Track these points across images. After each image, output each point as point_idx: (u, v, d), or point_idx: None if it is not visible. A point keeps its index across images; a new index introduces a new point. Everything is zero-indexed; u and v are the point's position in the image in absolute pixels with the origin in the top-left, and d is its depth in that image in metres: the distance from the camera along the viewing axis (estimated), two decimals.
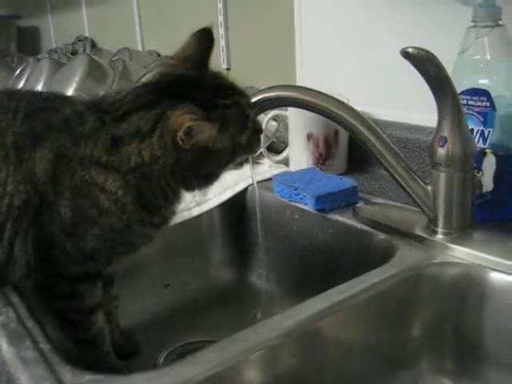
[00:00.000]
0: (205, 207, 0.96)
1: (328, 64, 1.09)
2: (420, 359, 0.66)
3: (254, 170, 1.01)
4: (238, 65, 1.35)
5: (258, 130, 0.66)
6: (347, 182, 0.86)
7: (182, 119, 0.56)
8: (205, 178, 0.64)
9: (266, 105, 0.70)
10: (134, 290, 0.92)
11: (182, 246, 0.98)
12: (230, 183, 0.98)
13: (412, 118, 0.94)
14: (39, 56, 1.95)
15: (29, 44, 2.59)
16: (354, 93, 0.97)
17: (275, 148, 1.09)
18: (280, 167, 1.03)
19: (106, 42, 1.98)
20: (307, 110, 0.70)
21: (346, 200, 0.83)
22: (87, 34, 2.15)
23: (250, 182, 0.98)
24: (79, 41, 2.07)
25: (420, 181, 0.68)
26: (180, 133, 0.56)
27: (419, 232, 0.70)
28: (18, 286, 0.67)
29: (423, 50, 0.57)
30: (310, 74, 1.13)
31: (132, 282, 0.92)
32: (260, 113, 0.70)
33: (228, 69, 1.36)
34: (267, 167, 1.04)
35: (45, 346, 0.53)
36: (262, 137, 1.01)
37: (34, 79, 1.48)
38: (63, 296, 0.67)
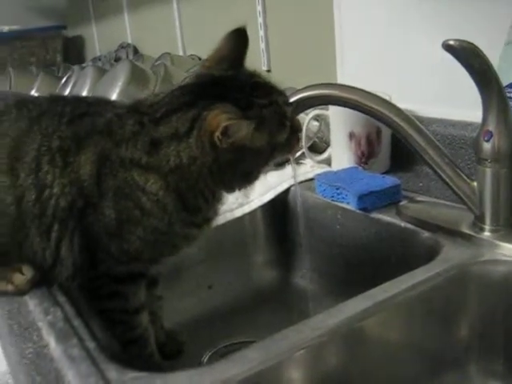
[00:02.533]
0: (247, 208, 0.96)
1: (369, 62, 1.07)
2: (468, 361, 0.64)
3: (295, 171, 1.01)
4: (279, 66, 1.35)
5: (296, 128, 0.66)
6: (390, 180, 0.84)
7: (219, 119, 0.56)
8: (244, 177, 0.64)
9: (307, 104, 0.69)
10: (178, 290, 0.93)
11: (225, 247, 0.98)
12: (272, 184, 0.97)
13: (456, 113, 0.92)
14: (84, 64, 2.00)
15: (74, 53, 2.66)
16: (396, 90, 0.96)
17: (317, 148, 1.08)
18: (322, 167, 1.03)
19: (148, 47, 2.01)
20: (348, 108, 0.69)
21: (389, 199, 0.82)
22: (130, 41, 2.19)
23: (291, 182, 0.97)
24: (122, 48, 2.11)
25: (465, 177, 0.67)
26: (217, 133, 0.57)
27: (465, 229, 0.68)
28: (65, 286, 0.68)
29: (466, 42, 0.56)
30: (351, 72, 1.12)
31: (176, 283, 0.93)
32: (300, 112, 0.70)
33: (268, 71, 1.36)
34: (309, 167, 1.03)
35: (90, 344, 0.54)
36: (304, 137, 1.01)
37: (79, 86, 1.51)
38: (108, 296, 0.68)
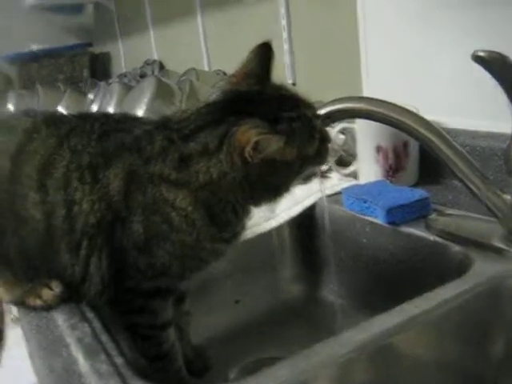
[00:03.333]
0: (274, 222, 0.95)
1: (394, 74, 1.06)
2: (502, 380, 0.62)
3: (323, 184, 1.01)
4: (304, 80, 1.35)
5: (326, 139, 0.65)
6: (418, 193, 0.83)
7: (249, 135, 0.56)
8: (274, 191, 0.64)
9: (334, 117, 0.69)
10: (205, 305, 0.93)
11: (252, 262, 0.98)
12: (299, 198, 0.97)
13: (484, 125, 0.90)
14: (110, 81, 2.03)
15: (101, 69, 2.70)
16: (423, 101, 0.95)
17: (344, 161, 1.07)
18: (349, 180, 1.02)
19: (174, 63, 2.03)
20: (375, 120, 0.69)
21: (418, 212, 0.81)
22: (155, 57, 2.22)
23: (318, 196, 0.97)
24: (147, 64, 2.14)
25: (496, 189, 0.65)
26: (248, 148, 0.57)
27: (497, 243, 0.67)
28: (93, 301, 0.69)
29: (495, 52, 0.55)
30: (377, 85, 1.11)
31: (203, 298, 0.93)
32: (327, 125, 0.69)
33: (294, 84, 1.36)
34: (336, 181, 1.02)
35: (118, 360, 0.54)
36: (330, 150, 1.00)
37: (106, 103, 1.54)
38: (136, 311, 0.68)
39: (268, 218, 0.95)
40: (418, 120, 0.67)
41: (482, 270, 0.64)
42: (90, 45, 2.81)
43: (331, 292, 0.94)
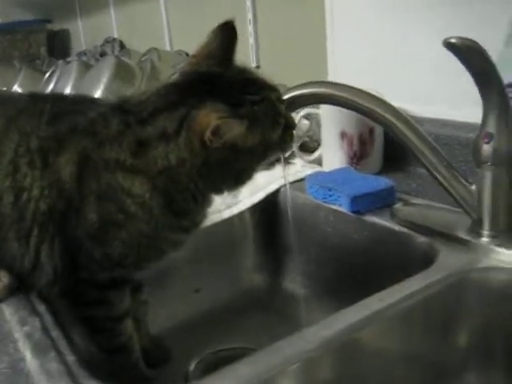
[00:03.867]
0: (236, 210, 0.93)
1: (360, 59, 1.05)
2: (467, 371, 0.62)
3: (286, 171, 0.98)
4: (268, 62, 1.32)
5: (290, 125, 0.63)
6: (384, 182, 0.82)
7: (209, 118, 0.53)
8: (236, 178, 0.61)
9: (299, 102, 0.66)
10: (164, 295, 0.90)
11: (212, 250, 0.95)
12: (261, 184, 0.94)
13: (451, 114, 0.89)
14: (69, 59, 1.96)
15: (59, 47, 2.61)
16: (388, 88, 0.93)
17: (308, 147, 1.05)
18: (313, 167, 1.00)
19: (135, 42, 1.97)
20: (340, 106, 0.66)
21: (382, 201, 0.79)
22: (116, 36, 2.15)
23: (282, 182, 0.94)
24: (107, 42, 2.07)
25: (463, 180, 0.64)
26: (207, 133, 0.54)
27: (462, 234, 0.66)
28: (44, 293, 0.65)
29: (468, 39, 0.53)
30: (342, 70, 1.09)
31: (161, 287, 0.90)
32: (292, 111, 0.67)
33: (257, 67, 1.33)
34: (300, 167, 1.00)
35: (70, 358, 0.51)
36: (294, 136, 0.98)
37: (63, 82, 1.47)
38: (91, 303, 0.65)
39: (229, 204, 0.92)
40: (384, 106, 0.64)
41: (447, 261, 0.63)
42: (49, 21, 2.71)
43: (294, 281, 0.92)
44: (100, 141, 0.59)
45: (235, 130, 0.55)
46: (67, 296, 0.65)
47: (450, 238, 0.67)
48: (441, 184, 0.65)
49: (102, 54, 1.96)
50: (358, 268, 0.81)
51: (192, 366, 0.80)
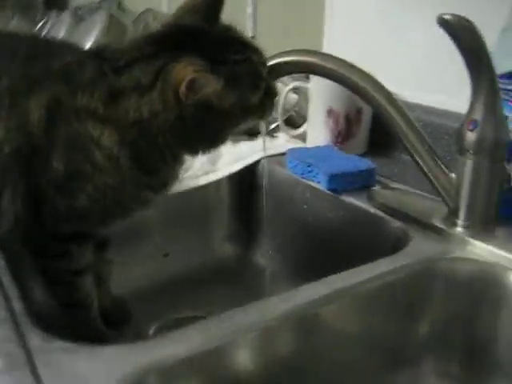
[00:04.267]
0: (213, 177, 0.91)
1: (356, 37, 1.02)
2: (424, 359, 0.61)
3: (265, 142, 0.96)
4: (265, 33, 1.28)
5: (271, 92, 0.61)
6: (365, 163, 0.80)
7: (185, 72, 0.51)
8: (209, 139, 0.59)
9: (283, 69, 0.64)
10: (132, 256, 0.89)
11: (185, 216, 0.93)
12: (242, 154, 0.92)
13: (441, 102, 0.87)
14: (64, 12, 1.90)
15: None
16: (381, 69, 0.90)
17: (294, 122, 1.03)
18: (296, 143, 0.98)
19: (133, 1, 1.92)
20: (328, 78, 0.64)
21: (361, 182, 0.78)
22: None
23: (262, 154, 0.92)
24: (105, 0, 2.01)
25: (443, 167, 0.63)
26: (182, 86, 0.51)
27: (437, 223, 0.64)
28: (4, 239, 0.63)
29: (464, 18, 0.51)
30: (337, 46, 1.06)
31: (130, 248, 0.88)
32: (276, 78, 0.64)
33: (253, 37, 1.30)
34: (283, 141, 0.98)
35: (17, 306, 0.49)
36: (281, 109, 0.95)
37: (54, 33, 1.44)
38: (51, 255, 0.64)
39: (207, 171, 0.90)
40: (373, 83, 0.62)
41: (419, 248, 0.62)
42: None
43: (264, 256, 0.91)
44: (73, 86, 0.57)
45: (211, 85, 0.52)
46: (28, 245, 0.64)
47: (424, 226, 0.65)
48: (421, 169, 0.63)
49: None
50: (329, 247, 0.79)
51: (151, 330, 0.78)
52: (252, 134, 0.99)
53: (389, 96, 0.62)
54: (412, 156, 0.63)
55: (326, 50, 1.08)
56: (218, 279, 0.89)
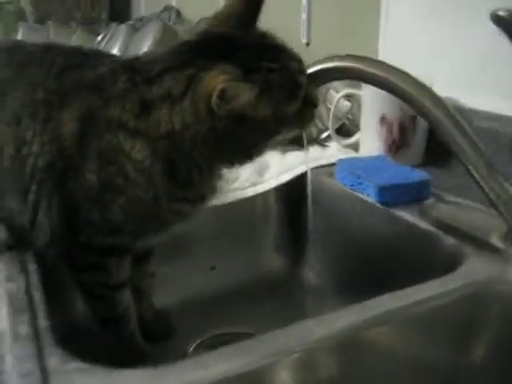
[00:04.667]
0: (260, 188, 0.88)
1: (414, 42, 0.96)
2: None
3: (318, 153, 0.93)
4: (319, 40, 1.25)
5: (312, 101, 0.57)
6: (418, 174, 0.75)
7: (217, 81, 0.49)
8: (244, 151, 0.56)
9: (324, 76, 0.60)
10: (178, 268, 0.87)
11: (232, 228, 0.91)
12: (290, 165, 0.89)
13: (506, 107, 0.81)
14: (130, 22, 1.94)
15: (121, 12, 2.60)
16: (442, 74, 0.86)
17: (347, 131, 0.99)
18: (348, 152, 0.93)
19: (192, 12, 1.93)
20: (374, 85, 0.59)
21: (414, 195, 0.73)
22: (174, 4, 2.12)
23: (312, 164, 0.88)
24: (165, 10, 2.04)
25: (502, 180, 0.57)
26: (214, 96, 0.49)
27: (495, 241, 0.59)
28: (42, 253, 0.63)
29: None
30: (394, 53, 1.01)
31: (176, 260, 0.87)
32: (319, 85, 0.61)
33: (307, 44, 1.26)
34: (334, 151, 0.94)
35: (42, 323, 0.48)
36: (331, 117, 0.92)
37: (110, 44, 1.46)
38: (88, 268, 0.62)
39: (254, 182, 0.87)
40: (421, 90, 0.57)
41: (474, 268, 0.56)
42: None
43: (312, 269, 0.87)
44: (105, 98, 0.56)
45: (244, 95, 0.49)
46: (64, 258, 0.63)
47: (481, 244, 0.60)
48: (476, 181, 0.57)
49: None
50: (379, 263, 0.74)
51: (191, 347, 0.76)
52: (302, 143, 0.96)
53: (434, 99, 0.57)
54: (466, 166, 0.58)
55: (381, 54, 1.03)
56: (264, 294, 0.86)
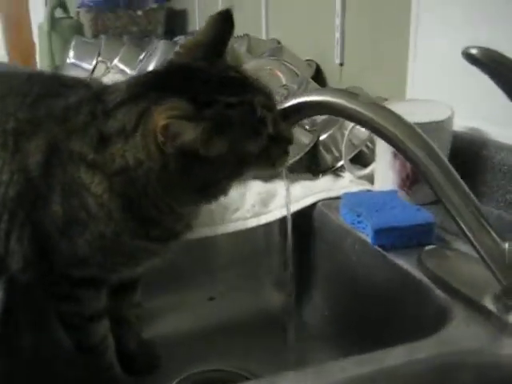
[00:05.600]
0: (263, 219, 0.83)
1: (442, 70, 0.89)
2: None
3: (330, 183, 0.87)
4: (353, 60, 1.19)
5: (283, 138, 0.53)
6: (423, 215, 0.68)
7: (161, 117, 0.45)
8: (201, 191, 0.52)
9: (302, 112, 0.55)
10: (176, 298, 0.85)
11: (233, 259, 0.87)
12: (296, 196, 0.84)
13: None
14: (176, 38, 1.95)
15: (179, 26, 2.62)
16: (466, 104, 0.79)
17: (365, 159, 0.92)
18: (363, 184, 0.87)
19: (237, 27, 1.91)
20: (351, 121, 0.54)
21: (416, 239, 0.66)
22: None
23: (320, 197, 0.83)
24: None
25: (494, 234, 0.50)
26: (157, 133, 0.46)
27: (487, 303, 0.52)
28: (16, 279, 0.62)
29: (489, 49, 0.39)
30: (421, 79, 0.94)
31: (173, 292, 0.84)
32: (298, 120, 0.56)
33: (341, 64, 1.21)
34: (347, 182, 0.88)
35: None
36: (345, 145, 0.86)
37: (149, 60, 1.46)
38: (62, 298, 0.62)
39: (257, 213, 0.83)
40: (405, 129, 0.51)
41: (457, 334, 0.50)
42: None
43: (312, 306, 0.82)
44: (68, 130, 0.54)
45: (189, 132, 0.46)
46: (39, 285, 0.62)
47: (471, 304, 0.53)
48: (464, 234, 0.51)
49: None
50: (373, 307, 0.69)
51: (174, 382, 0.73)
52: (316, 172, 0.92)
53: (424, 143, 0.51)
54: (452, 215, 0.52)
55: (409, 80, 0.97)
56: (259, 329, 0.82)
